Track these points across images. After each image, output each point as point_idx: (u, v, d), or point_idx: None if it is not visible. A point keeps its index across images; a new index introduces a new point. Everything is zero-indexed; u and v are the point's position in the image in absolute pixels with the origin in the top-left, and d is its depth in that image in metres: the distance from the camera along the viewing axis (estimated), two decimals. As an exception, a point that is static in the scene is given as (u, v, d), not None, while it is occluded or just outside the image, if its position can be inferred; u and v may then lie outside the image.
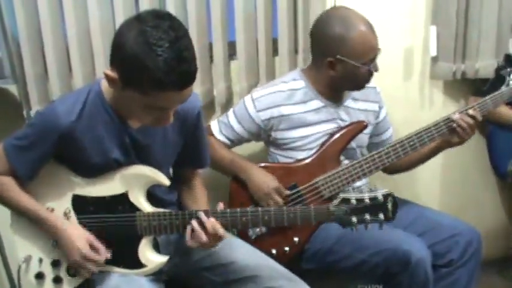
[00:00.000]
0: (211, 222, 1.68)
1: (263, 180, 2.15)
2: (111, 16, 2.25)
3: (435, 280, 2.14)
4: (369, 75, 2.15)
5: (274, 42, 2.51)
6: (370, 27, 2.09)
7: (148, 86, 1.45)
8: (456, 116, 2.14)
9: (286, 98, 2.18)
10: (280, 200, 2.13)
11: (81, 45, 2.25)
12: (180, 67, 1.44)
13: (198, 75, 2.36)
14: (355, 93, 2.27)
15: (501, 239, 3.12)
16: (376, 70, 2.14)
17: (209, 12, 2.38)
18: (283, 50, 2.49)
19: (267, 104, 2.18)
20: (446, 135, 2.19)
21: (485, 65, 2.72)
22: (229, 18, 2.43)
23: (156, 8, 2.28)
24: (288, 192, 2.16)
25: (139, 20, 1.46)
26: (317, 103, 2.21)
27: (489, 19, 2.67)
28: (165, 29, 1.44)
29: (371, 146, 2.40)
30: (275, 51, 2.53)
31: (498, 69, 2.62)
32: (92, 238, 1.70)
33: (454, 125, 2.14)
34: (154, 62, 1.41)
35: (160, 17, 1.47)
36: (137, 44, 1.42)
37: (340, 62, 2.09)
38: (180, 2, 2.32)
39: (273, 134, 2.21)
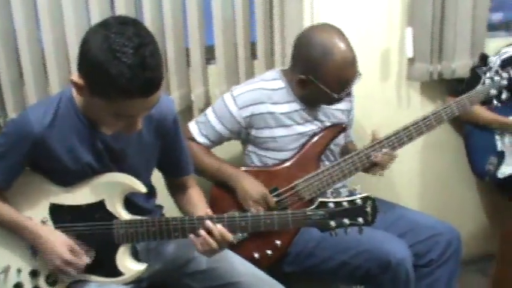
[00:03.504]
0: (219, 229, 1.68)
1: (252, 187, 2.14)
2: (87, 21, 2.23)
3: (416, 280, 2.15)
4: (340, 101, 2.16)
5: (253, 46, 2.51)
6: (351, 58, 2.06)
7: (113, 93, 1.44)
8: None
9: (266, 97, 2.18)
10: (267, 206, 2.12)
11: (57, 51, 2.22)
12: (144, 74, 1.43)
13: (175, 80, 2.39)
14: None
15: (481, 238, 3.15)
16: (349, 95, 2.15)
17: (185, 17, 2.36)
18: (262, 54, 2.49)
19: (248, 101, 2.16)
20: (427, 131, 2.20)
21: (461, 65, 2.75)
22: (207, 22, 2.42)
23: (132, 13, 2.28)
24: (275, 199, 2.15)
25: (104, 26, 1.45)
26: (295, 105, 2.21)
27: (464, 19, 2.70)
28: (130, 35, 1.42)
29: None
30: (253, 55, 2.52)
31: (474, 69, 2.65)
32: (71, 243, 1.68)
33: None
34: (117, 68, 1.40)
35: (125, 23, 1.46)
36: (101, 50, 1.41)
37: (311, 83, 2.09)
38: (156, 6, 2.31)
39: (253, 132, 2.20)
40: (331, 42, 2.05)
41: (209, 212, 1.81)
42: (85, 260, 1.68)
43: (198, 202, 1.91)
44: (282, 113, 2.18)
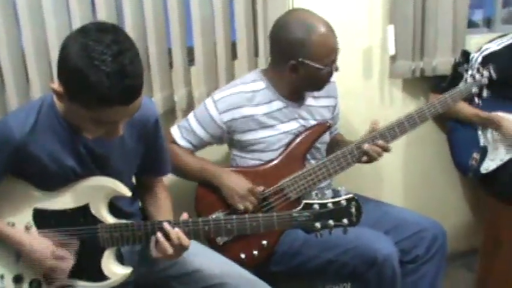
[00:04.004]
0: (176, 233, 1.67)
1: (236, 183, 2.13)
2: (68, 24, 2.21)
3: (402, 276, 2.16)
4: (330, 76, 2.17)
5: (233, 45, 2.50)
6: (330, 28, 2.10)
7: (92, 101, 1.43)
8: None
9: (247, 99, 2.18)
10: (255, 201, 2.12)
11: (38, 55, 2.21)
12: (124, 82, 1.41)
13: (158, 82, 2.38)
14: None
15: (464, 233, 3.17)
16: (337, 70, 2.16)
17: (167, 18, 2.36)
18: (243, 54, 2.49)
19: (228, 105, 2.16)
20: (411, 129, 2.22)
21: (443, 62, 2.77)
22: (188, 23, 2.41)
23: (113, 15, 2.27)
24: (261, 190, 2.14)
25: (82, 33, 1.44)
26: (278, 104, 2.21)
27: (445, 16, 2.71)
28: (108, 42, 1.41)
29: None
30: (234, 55, 2.52)
31: (456, 66, 2.67)
32: (55, 248, 1.67)
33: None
34: (96, 76, 1.39)
35: (103, 30, 1.44)
36: (79, 58, 1.40)
37: (302, 65, 2.09)
38: (137, 8, 2.30)
39: (236, 136, 2.20)
40: (307, 19, 2.09)
41: (170, 217, 1.81)
42: (70, 264, 1.67)
43: (163, 206, 1.92)
44: (264, 114, 2.18)
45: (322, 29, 2.08)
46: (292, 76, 2.14)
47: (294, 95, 2.23)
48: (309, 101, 2.28)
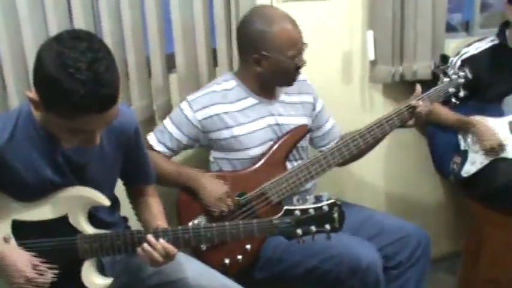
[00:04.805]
0: (161, 244, 1.67)
1: (212, 185, 2.13)
2: (45, 33, 2.18)
3: (386, 282, 2.17)
4: (296, 70, 2.17)
5: (214, 52, 2.49)
6: (292, 21, 2.11)
7: (67, 109, 1.42)
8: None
9: (220, 98, 2.18)
10: (231, 204, 2.11)
11: (15, 63, 2.17)
12: (99, 90, 1.40)
13: (137, 91, 2.36)
14: (288, 88, 2.28)
15: (447, 237, 3.18)
16: (303, 64, 2.16)
17: (145, 25, 2.34)
18: (223, 60, 2.47)
19: (202, 104, 2.17)
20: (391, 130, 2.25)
21: (422, 66, 2.78)
22: (167, 30, 2.39)
23: (91, 24, 2.25)
24: (237, 198, 2.14)
25: (57, 41, 1.42)
26: (251, 100, 2.21)
27: (424, 21, 2.72)
28: (83, 50, 1.40)
29: (316, 140, 2.44)
30: (215, 62, 2.50)
31: (435, 71, 2.69)
32: (35, 260, 1.64)
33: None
34: (71, 84, 1.37)
35: (78, 37, 1.43)
36: (54, 67, 1.38)
37: (264, 58, 2.10)
38: (115, 16, 2.27)
39: (212, 135, 2.19)
40: (268, 13, 2.12)
41: (165, 224, 1.81)
42: (49, 277, 1.64)
43: (157, 213, 1.90)
44: (238, 111, 2.19)
45: (283, 21, 2.09)
46: (257, 70, 2.15)
47: (265, 90, 2.23)
48: (282, 97, 2.28)
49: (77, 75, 1.37)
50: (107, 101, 1.44)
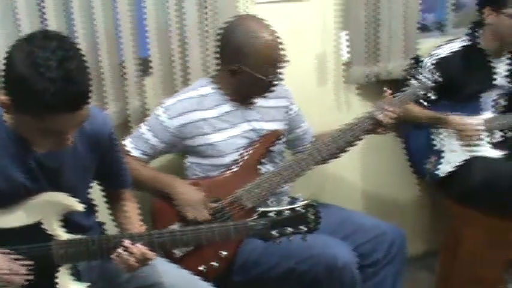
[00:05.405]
0: (139, 249, 1.65)
1: (188, 192, 2.13)
2: (17, 35, 2.15)
3: (363, 280, 2.18)
4: (271, 86, 2.16)
5: (188, 56, 2.46)
6: (275, 39, 2.09)
7: (38, 109, 1.40)
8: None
9: (197, 104, 2.17)
10: (205, 211, 2.11)
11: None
12: (69, 88, 1.39)
13: (111, 94, 2.35)
14: None
15: (424, 235, 3.20)
16: (279, 82, 2.16)
17: (119, 29, 2.33)
18: (198, 64, 2.46)
19: (178, 110, 2.16)
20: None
21: (397, 66, 2.79)
22: (141, 33, 2.39)
23: (64, 26, 2.23)
24: (212, 204, 2.13)
25: (27, 41, 1.42)
26: (228, 107, 2.21)
27: (397, 21, 2.74)
28: (53, 49, 1.39)
29: (289, 143, 2.44)
30: (189, 66, 2.48)
31: (405, 74, 2.72)
32: (10, 262, 1.62)
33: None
34: (41, 83, 1.36)
35: (48, 37, 1.42)
36: (24, 65, 1.37)
37: (241, 72, 2.10)
38: (87, 19, 2.26)
39: (189, 141, 2.18)
40: (253, 27, 2.08)
41: (142, 228, 1.80)
42: (26, 277, 1.62)
43: (132, 216, 1.90)
44: (214, 117, 2.18)
45: (265, 39, 2.07)
46: (233, 80, 2.14)
47: (240, 97, 2.23)
48: (259, 102, 2.28)
49: (47, 74, 1.36)
50: (77, 99, 1.43)
